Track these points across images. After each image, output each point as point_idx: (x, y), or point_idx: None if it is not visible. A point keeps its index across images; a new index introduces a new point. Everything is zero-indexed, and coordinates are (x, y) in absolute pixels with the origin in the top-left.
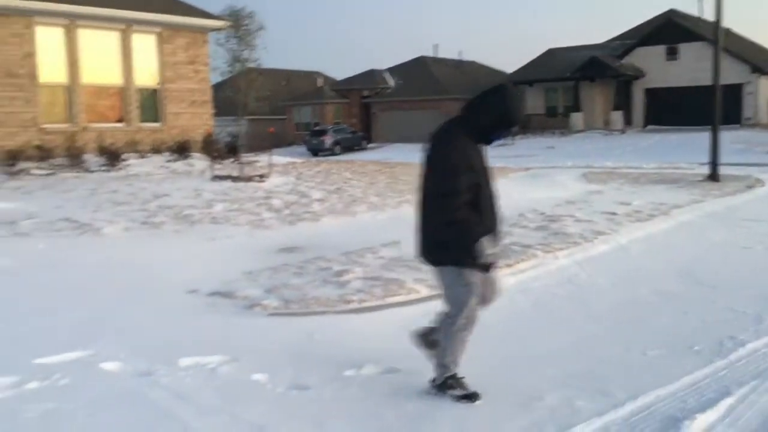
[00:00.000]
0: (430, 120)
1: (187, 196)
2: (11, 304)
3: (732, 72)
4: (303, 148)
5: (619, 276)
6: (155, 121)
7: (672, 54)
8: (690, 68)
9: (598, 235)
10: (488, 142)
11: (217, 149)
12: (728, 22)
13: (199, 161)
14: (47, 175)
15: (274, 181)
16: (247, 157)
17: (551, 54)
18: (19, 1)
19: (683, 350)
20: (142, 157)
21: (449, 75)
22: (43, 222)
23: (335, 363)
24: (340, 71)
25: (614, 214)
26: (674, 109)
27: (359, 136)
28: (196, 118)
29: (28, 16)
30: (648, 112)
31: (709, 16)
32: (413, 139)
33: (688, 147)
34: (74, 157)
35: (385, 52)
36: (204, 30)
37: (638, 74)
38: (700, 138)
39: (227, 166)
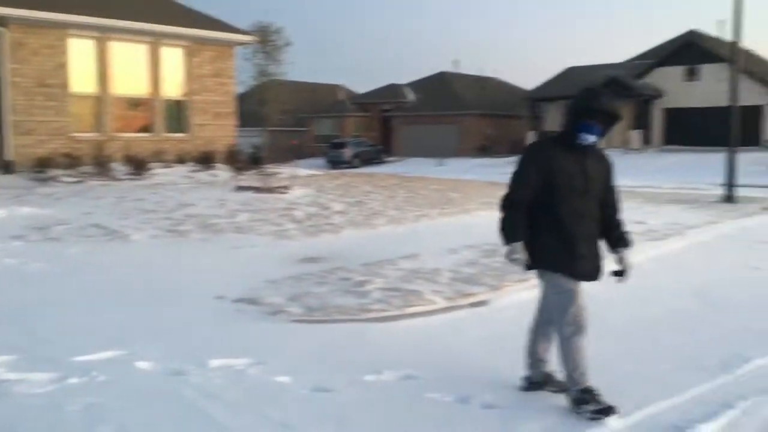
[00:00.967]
0: (449, 135)
1: (211, 205)
2: (48, 306)
3: (752, 94)
4: (323, 161)
5: (634, 294)
6: (181, 131)
7: (691, 75)
8: (709, 89)
9: (609, 253)
10: (576, 139)
11: (241, 160)
12: (749, 43)
13: (222, 172)
14: (76, 182)
15: (295, 192)
16: (269, 168)
17: (571, 72)
18: (53, 14)
19: (691, 366)
20: (168, 166)
21: (469, 90)
22: (74, 228)
23: (356, 368)
24: (362, 85)
25: (629, 233)
26: (693, 130)
27: (378, 150)
28: (220, 130)
29: (61, 28)
30: (666, 131)
31: (729, 37)
32: (432, 153)
33: (705, 167)
34: (102, 166)
35: (406, 67)
36: (230, 44)
37: (657, 94)
38: (718, 159)
39: (250, 177)
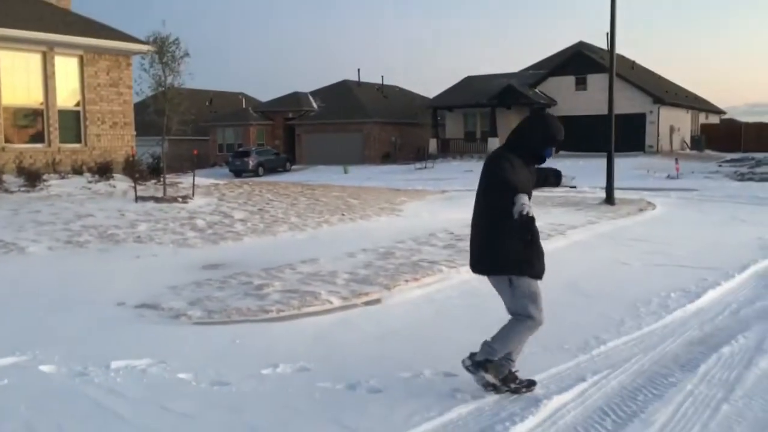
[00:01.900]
0: (353, 142)
1: (110, 216)
2: None
3: (636, 102)
4: (226, 170)
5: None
6: (77, 142)
7: (581, 84)
8: (597, 98)
9: None
10: (542, 159)
11: (140, 170)
12: (635, 55)
13: (121, 182)
14: None
15: (197, 201)
16: (170, 178)
17: (469, 81)
18: None
19: (555, 348)
20: (63, 177)
21: (372, 99)
22: None
23: (253, 363)
24: (265, 93)
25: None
26: (582, 136)
27: (283, 158)
28: (118, 140)
29: None
30: None
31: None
32: (337, 161)
33: (594, 172)
34: None
35: (309, 76)
36: (128, 53)
37: (550, 102)
38: (605, 163)
39: (150, 187)
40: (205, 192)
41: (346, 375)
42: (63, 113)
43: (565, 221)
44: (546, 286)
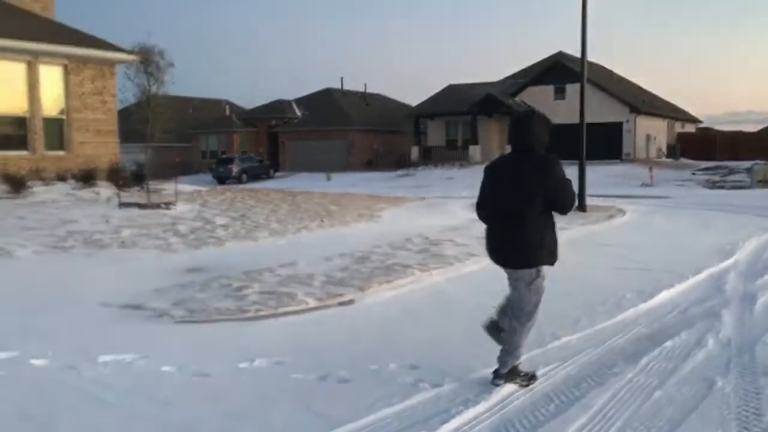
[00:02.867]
0: (337, 150)
1: (95, 222)
2: None
3: (613, 111)
4: (209, 177)
5: (481, 290)
6: (61, 149)
7: (560, 93)
8: (575, 107)
9: (470, 257)
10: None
11: (123, 177)
12: (615, 65)
13: (105, 189)
14: None
15: (180, 208)
16: (153, 184)
17: (451, 89)
18: None
19: None
20: (48, 184)
21: (355, 106)
22: None
23: (232, 358)
24: (248, 100)
25: None
26: (563, 145)
27: (266, 165)
28: (102, 147)
29: None
30: None
31: (592, 58)
32: (321, 168)
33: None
34: None
35: (292, 84)
36: (112, 62)
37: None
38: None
39: (134, 194)
40: (188, 198)
41: (318, 367)
42: (47, 121)
43: None
44: None
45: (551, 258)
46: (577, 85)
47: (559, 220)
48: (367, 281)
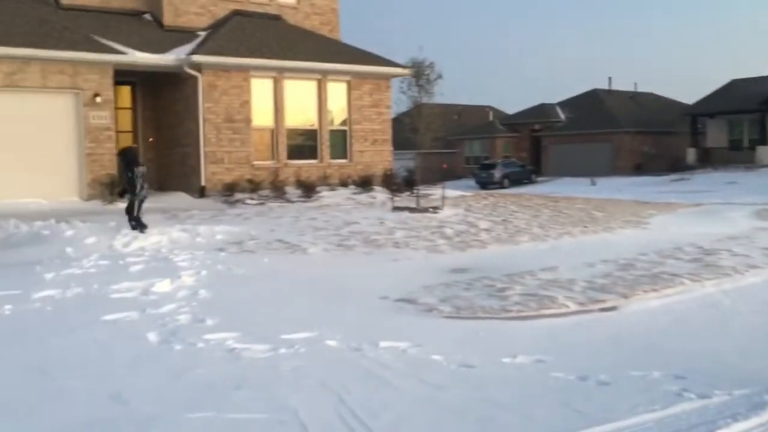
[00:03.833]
0: (602, 153)
1: (372, 224)
2: (254, 301)
3: None
4: (472, 182)
5: (762, 304)
6: (343, 158)
7: None
8: None
9: (751, 269)
10: None
11: (396, 183)
12: None
13: (380, 194)
14: (258, 204)
15: (446, 212)
16: (421, 190)
17: (734, 85)
18: (239, 59)
19: None
20: (332, 189)
21: (623, 107)
22: (262, 242)
23: (495, 352)
24: (511, 105)
25: None
26: None
27: (528, 170)
28: (377, 155)
29: (245, 70)
30: None
31: None
32: (584, 172)
33: None
34: (277, 189)
35: (556, 86)
36: (387, 77)
37: None
38: None
39: (405, 198)
40: (453, 203)
41: (578, 368)
42: (332, 132)
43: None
44: None
45: None
46: None
47: None
48: (632, 289)
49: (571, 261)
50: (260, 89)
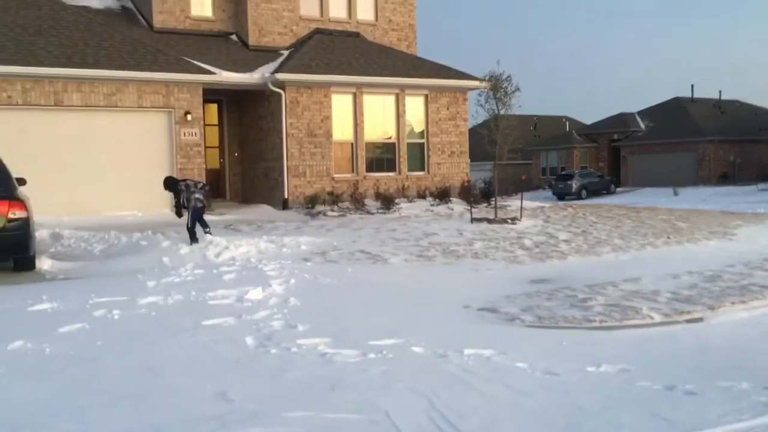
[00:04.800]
0: (685, 163)
1: (451, 235)
2: (342, 308)
3: None
4: (548, 193)
5: None
6: (420, 170)
7: None
8: None
9: None
10: None
11: (473, 194)
12: None
13: (457, 205)
14: (338, 216)
15: (524, 223)
16: (499, 201)
17: None
18: (321, 76)
19: None
20: (410, 201)
21: (707, 115)
22: (345, 252)
23: (579, 361)
24: (588, 115)
25: None
26: None
27: (607, 181)
28: (454, 167)
29: (326, 86)
30: None
31: None
32: (667, 182)
33: None
34: (357, 201)
35: (635, 96)
36: (464, 90)
37: None
38: None
39: (482, 210)
40: (530, 214)
41: (664, 378)
42: (410, 145)
43: None
44: None
45: None
46: None
47: None
48: (718, 300)
49: (654, 272)
50: (340, 104)
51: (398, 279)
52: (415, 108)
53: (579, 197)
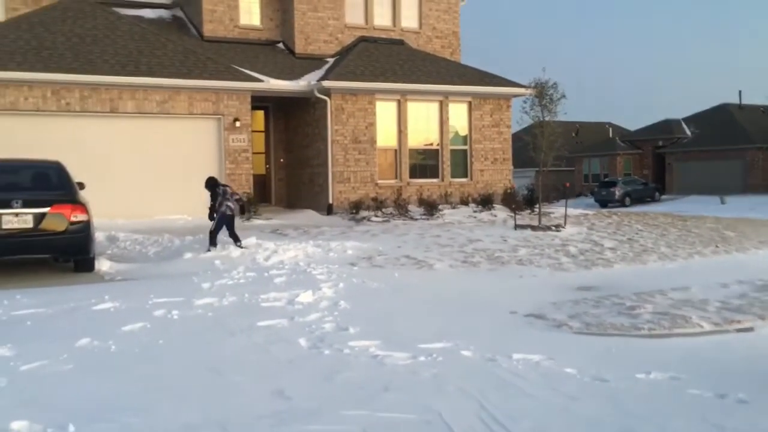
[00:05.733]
0: (733, 171)
1: (495, 241)
2: (391, 312)
3: None
4: (591, 200)
5: None
6: (464, 176)
7: None
8: None
9: None
10: None
11: (516, 201)
12: None
13: (500, 212)
14: (383, 221)
15: (568, 230)
16: (542, 208)
17: None
18: (365, 83)
19: None
20: (453, 207)
21: (756, 122)
22: (390, 258)
23: (628, 368)
24: (631, 122)
25: None
26: None
27: (651, 188)
28: (497, 174)
29: (371, 94)
30: None
31: None
32: (713, 190)
33: None
34: (400, 207)
35: (681, 102)
36: (507, 96)
37: None
38: None
39: (525, 216)
40: (574, 221)
41: (716, 387)
42: (453, 152)
43: None
44: None
45: None
46: None
47: None
48: None
49: (702, 281)
50: (385, 111)
51: (444, 284)
52: (458, 115)
53: (622, 205)
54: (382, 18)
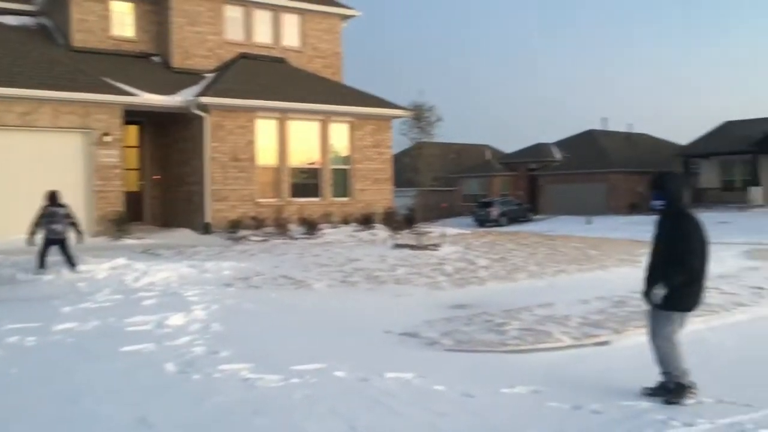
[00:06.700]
0: (597, 193)
1: (374, 260)
2: (265, 334)
3: None
4: (470, 219)
5: (748, 340)
6: (345, 196)
7: None
8: None
9: (737, 306)
10: None
11: (396, 221)
12: None
13: (381, 231)
14: (262, 241)
15: (445, 249)
16: (421, 227)
17: (728, 126)
18: (245, 101)
19: None
20: (334, 227)
21: (618, 148)
22: (268, 278)
23: (494, 383)
24: (508, 145)
25: (761, 288)
26: None
27: (525, 208)
28: (378, 194)
29: (251, 111)
30: None
31: None
32: (580, 211)
33: None
34: (281, 226)
35: (552, 127)
36: (388, 118)
37: None
38: None
39: (405, 236)
40: (452, 240)
41: (572, 399)
42: (335, 171)
43: None
44: None
45: None
46: None
47: None
48: (624, 324)
49: (566, 298)
50: (265, 129)
51: (321, 305)
52: (340, 134)
53: (498, 224)
54: (263, 35)
